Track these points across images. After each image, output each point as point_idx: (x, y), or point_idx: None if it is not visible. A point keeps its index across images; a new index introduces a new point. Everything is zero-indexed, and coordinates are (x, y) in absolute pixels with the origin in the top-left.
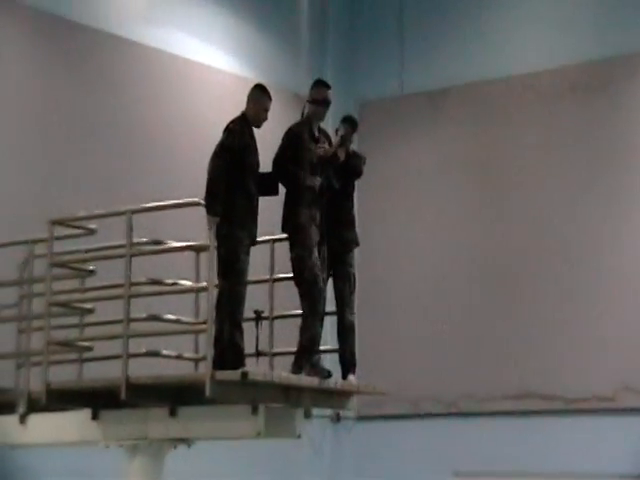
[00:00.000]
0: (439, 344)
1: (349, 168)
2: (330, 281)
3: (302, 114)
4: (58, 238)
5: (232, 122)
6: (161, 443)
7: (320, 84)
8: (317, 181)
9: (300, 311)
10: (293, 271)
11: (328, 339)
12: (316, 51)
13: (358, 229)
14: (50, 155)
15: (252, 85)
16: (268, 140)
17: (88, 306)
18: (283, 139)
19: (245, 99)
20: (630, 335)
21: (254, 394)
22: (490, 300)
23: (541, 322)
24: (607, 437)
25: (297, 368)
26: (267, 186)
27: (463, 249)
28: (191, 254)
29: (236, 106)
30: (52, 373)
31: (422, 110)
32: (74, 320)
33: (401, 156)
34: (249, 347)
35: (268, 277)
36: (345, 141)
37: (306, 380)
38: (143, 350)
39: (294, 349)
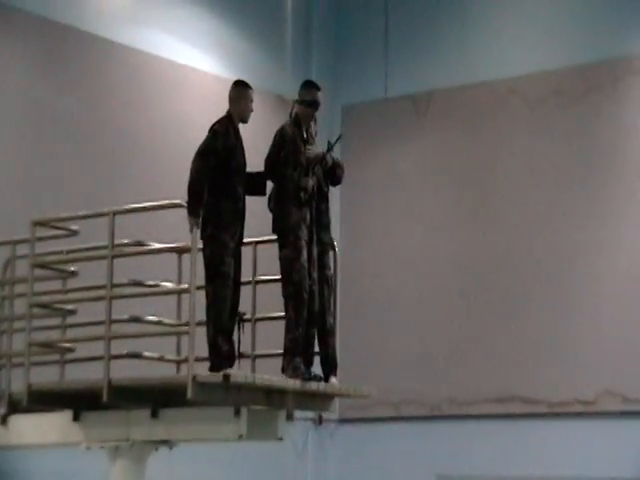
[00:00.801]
0: (422, 347)
1: (328, 173)
2: None
3: (290, 115)
4: (40, 239)
5: (217, 122)
6: (143, 445)
7: (309, 85)
8: (309, 182)
9: (283, 313)
10: (281, 271)
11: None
12: (301, 54)
13: (341, 233)
14: (35, 156)
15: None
16: (252, 142)
17: (70, 307)
18: (275, 138)
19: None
20: (612, 340)
21: (236, 396)
22: (473, 304)
23: (524, 326)
24: (589, 441)
25: (282, 370)
26: (254, 186)
27: (447, 253)
28: (174, 256)
29: (221, 108)
30: (34, 374)
31: (406, 114)
32: (56, 321)
33: (385, 159)
34: None
35: (250, 279)
36: (333, 146)
37: (288, 382)
38: (125, 352)
39: (276, 351)
